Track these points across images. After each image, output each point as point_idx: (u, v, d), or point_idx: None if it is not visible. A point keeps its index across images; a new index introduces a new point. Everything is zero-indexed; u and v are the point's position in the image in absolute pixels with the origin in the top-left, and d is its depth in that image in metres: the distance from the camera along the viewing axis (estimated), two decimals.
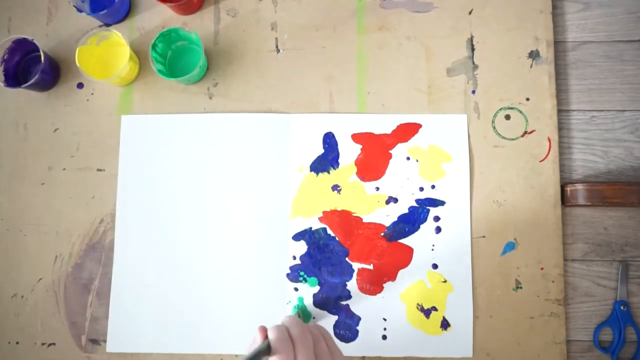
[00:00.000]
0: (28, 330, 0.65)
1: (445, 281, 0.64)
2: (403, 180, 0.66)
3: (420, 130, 0.67)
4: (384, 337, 0.63)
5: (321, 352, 0.46)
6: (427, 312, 0.64)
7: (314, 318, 0.64)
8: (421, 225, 0.65)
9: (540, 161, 0.66)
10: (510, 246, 0.65)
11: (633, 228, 0.66)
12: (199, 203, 0.66)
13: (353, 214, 0.65)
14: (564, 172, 0.67)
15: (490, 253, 0.65)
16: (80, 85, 0.69)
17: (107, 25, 0.70)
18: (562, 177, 0.66)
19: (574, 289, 0.65)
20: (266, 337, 0.44)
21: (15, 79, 0.69)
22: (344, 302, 0.64)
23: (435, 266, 0.64)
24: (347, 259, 0.65)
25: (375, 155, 0.66)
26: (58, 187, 0.67)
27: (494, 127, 0.67)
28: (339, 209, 0.66)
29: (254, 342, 0.45)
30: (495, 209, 0.65)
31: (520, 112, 0.67)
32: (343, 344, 0.63)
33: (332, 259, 0.65)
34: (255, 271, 0.65)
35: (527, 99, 0.67)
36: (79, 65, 0.64)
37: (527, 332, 0.63)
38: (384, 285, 0.64)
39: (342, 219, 0.65)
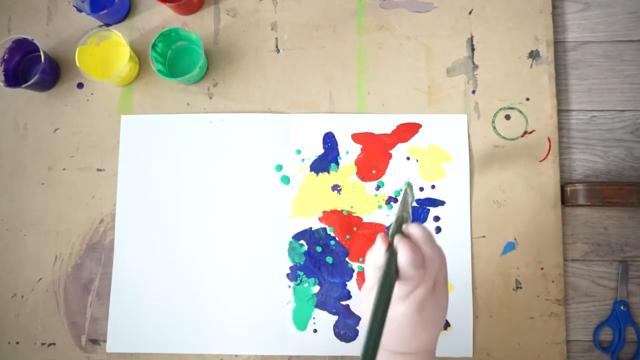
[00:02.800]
0: (28, 330, 0.65)
1: None
2: (403, 180, 0.66)
3: (420, 130, 0.67)
4: None
5: (438, 278, 0.41)
6: None
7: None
8: None
9: (540, 161, 0.66)
10: (510, 246, 0.65)
11: (633, 228, 0.66)
12: (199, 203, 0.66)
13: (353, 214, 0.65)
14: (564, 172, 0.67)
15: (490, 253, 0.65)
16: (80, 85, 0.69)
17: (107, 25, 0.70)
18: (562, 177, 0.66)
19: (574, 289, 0.65)
20: (388, 246, 0.40)
21: (15, 79, 0.69)
22: (344, 302, 0.64)
23: None
24: (347, 259, 0.65)
25: (375, 155, 0.66)
26: (58, 187, 0.67)
27: (494, 127, 0.67)
28: (339, 209, 0.66)
29: (374, 251, 0.41)
30: (495, 209, 0.65)
31: (520, 112, 0.67)
32: (343, 343, 0.63)
33: (332, 259, 0.65)
34: (256, 271, 0.65)
35: (527, 99, 0.67)
36: (79, 65, 0.64)
37: (527, 332, 0.63)
38: None
39: (342, 219, 0.65)
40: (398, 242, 0.40)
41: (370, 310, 0.36)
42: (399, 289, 0.40)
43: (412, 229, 0.42)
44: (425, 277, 0.40)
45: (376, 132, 0.67)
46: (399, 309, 0.40)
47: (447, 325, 0.63)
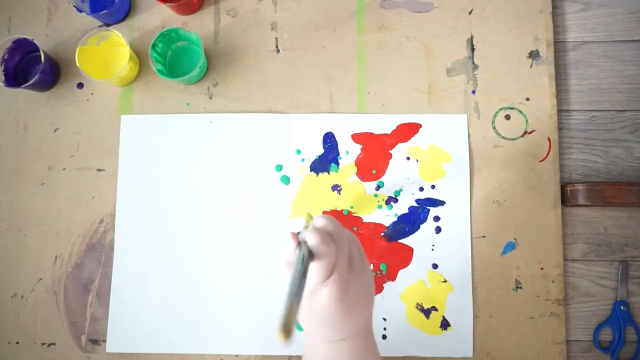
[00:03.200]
0: (28, 330, 0.65)
1: (445, 281, 0.64)
2: (403, 180, 0.66)
3: (420, 130, 0.67)
4: (384, 337, 0.63)
5: (352, 254, 0.42)
6: (427, 312, 0.63)
7: None
8: (421, 225, 0.65)
9: (540, 161, 0.66)
10: (510, 246, 0.65)
11: (633, 228, 0.66)
12: (199, 203, 0.66)
13: (353, 214, 0.65)
14: (564, 172, 0.67)
15: (490, 253, 0.65)
16: (80, 85, 0.69)
17: (107, 25, 0.70)
18: (562, 177, 0.66)
19: (574, 289, 0.65)
20: (299, 242, 0.41)
21: (15, 79, 0.69)
22: None
23: (435, 266, 0.64)
24: None
25: (375, 155, 0.66)
26: (58, 187, 0.67)
27: (494, 127, 0.67)
28: (339, 209, 0.66)
29: (286, 249, 0.41)
30: (495, 209, 0.65)
31: (520, 112, 0.67)
32: None
33: None
34: (256, 271, 0.65)
35: (527, 99, 0.67)
36: (79, 65, 0.64)
37: (527, 332, 0.63)
38: (384, 285, 0.64)
39: (342, 219, 0.65)
40: (306, 232, 0.41)
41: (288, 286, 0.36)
42: (316, 272, 0.39)
43: (316, 219, 0.43)
44: (339, 254, 0.40)
45: (376, 132, 0.67)
46: (323, 294, 0.40)
47: (447, 325, 0.63)
